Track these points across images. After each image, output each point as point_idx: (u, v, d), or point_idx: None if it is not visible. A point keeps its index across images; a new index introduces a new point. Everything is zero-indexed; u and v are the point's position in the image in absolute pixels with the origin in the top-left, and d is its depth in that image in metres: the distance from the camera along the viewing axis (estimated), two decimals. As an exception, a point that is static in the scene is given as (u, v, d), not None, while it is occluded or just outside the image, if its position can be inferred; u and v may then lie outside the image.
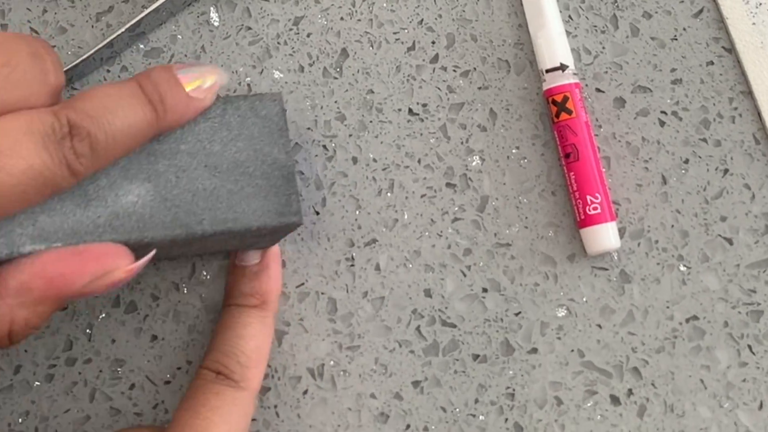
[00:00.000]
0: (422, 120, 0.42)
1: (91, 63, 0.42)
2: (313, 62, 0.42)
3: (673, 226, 0.42)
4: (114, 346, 0.41)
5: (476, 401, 0.41)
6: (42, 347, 0.41)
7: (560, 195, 0.42)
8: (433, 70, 0.42)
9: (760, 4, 0.42)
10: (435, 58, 0.42)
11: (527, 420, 0.40)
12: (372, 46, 0.43)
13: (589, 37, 0.43)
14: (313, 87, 0.42)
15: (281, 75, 0.42)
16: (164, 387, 0.41)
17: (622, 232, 0.41)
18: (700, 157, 0.42)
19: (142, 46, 0.42)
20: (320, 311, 0.41)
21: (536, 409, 0.41)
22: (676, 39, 0.43)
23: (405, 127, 0.42)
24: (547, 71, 0.41)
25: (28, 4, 0.43)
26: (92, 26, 0.42)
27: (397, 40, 0.43)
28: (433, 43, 0.43)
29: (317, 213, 0.41)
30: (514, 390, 0.41)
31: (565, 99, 0.41)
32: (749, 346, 0.41)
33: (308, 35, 0.43)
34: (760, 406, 0.41)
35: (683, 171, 0.42)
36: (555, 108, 0.41)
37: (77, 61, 0.41)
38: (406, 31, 0.43)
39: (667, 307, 0.41)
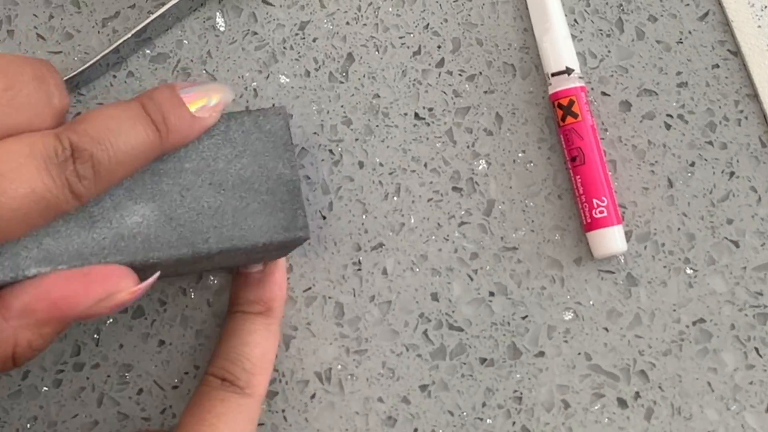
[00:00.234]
0: (428, 124, 0.42)
1: (97, 68, 0.42)
2: (319, 67, 0.42)
3: (679, 229, 0.42)
4: (122, 351, 0.41)
5: (483, 405, 0.41)
6: (50, 352, 0.41)
7: (566, 198, 0.42)
8: (439, 75, 0.42)
9: (766, 6, 0.42)
10: (441, 63, 0.43)
11: (534, 423, 0.40)
12: (378, 51, 0.43)
13: (594, 41, 0.43)
14: (319, 92, 0.42)
15: (287, 80, 0.42)
16: (172, 392, 0.41)
17: (628, 235, 0.41)
18: (706, 160, 0.42)
19: (148, 51, 0.42)
20: (327, 315, 0.41)
21: (543, 413, 0.41)
22: (682, 42, 0.43)
23: (411, 131, 0.42)
24: (553, 75, 0.41)
25: (34, 10, 0.43)
26: (98, 32, 0.43)
27: (402, 44, 0.43)
28: (439, 47, 0.43)
29: (324, 217, 0.42)
30: (521, 393, 0.41)
31: (571, 102, 0.41)
32: (756, 349, 0.41)
33: (314, 40, 0.43)
34: (768, 409, 0.41)
35: (689, 174, 0.42)
36: (561, 111, 0.41)
37: (84, 67, 0.41)
38: (411, 35, 0.43)
39: (674, 310, 0.41)
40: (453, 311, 0.41)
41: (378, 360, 0.41)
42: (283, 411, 0.40)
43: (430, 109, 0.42)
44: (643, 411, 0.41)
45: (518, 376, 0.41)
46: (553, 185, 0.42)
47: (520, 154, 0.42)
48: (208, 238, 0.34)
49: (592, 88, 0.42)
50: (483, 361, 0.41)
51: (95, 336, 0.41)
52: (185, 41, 0.43)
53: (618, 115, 0.42)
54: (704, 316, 0.41)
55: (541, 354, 0.41)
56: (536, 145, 0.42)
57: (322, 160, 0.42)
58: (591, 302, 0.41)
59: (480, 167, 0.42)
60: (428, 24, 0.43)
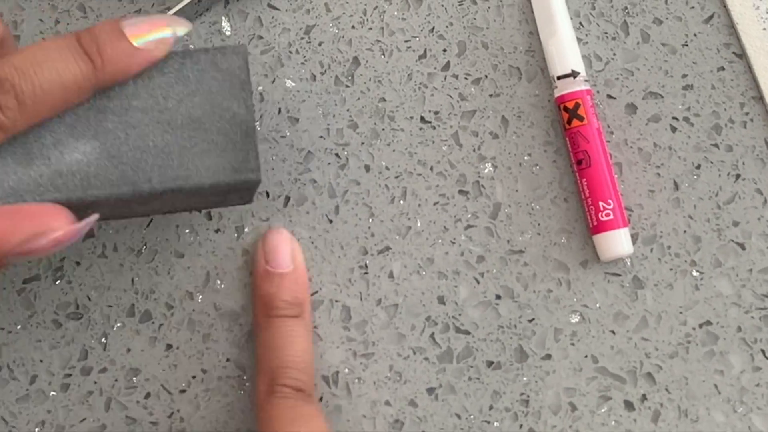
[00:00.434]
0: (434, 128, 0.42)
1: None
2: (325, 71, 0.43)
3: (685, 231, 0.42)
4: (129, 356, 0.41)
5: (491, 408, 0.41)
6: (57, 357, 0.41)
7: (572, 201, 0.42)
8: (445, 78, 0.43)
9: (771, 9, 0.42)
10: (446, 66, 0.43)
11: (542, 426, 0.41)
12: (383, 55, 0.43)
13: (600, 44, 0.43)
14: (325, 95, 0.42)
15: (293, 84, 0.42)
16: (179, 396, 0.41)
17: (634, 237, 0.42)
18: (711, 163, 0.42)
19: (154, 56, 0.43)
20: (334, 319, 0.41)
21: (550, 416, 0.41)
22: (687, 45, 0.43)
23: (417, 134, 0.42)
24: (559, 78, 0.41)
25: (40, 15, 0.43)
26: (104, 36, 0.43)
27: (408, 48, 0.43)
28: (445, 50, 0.43)
29: (330, 221, 0.42)
30: (528, 396, 0.41)
31: (577, 106, 0.41)
32: (762, 351, 0.41)
33: (320, 44, 0.43)
34: (774, 411, 0.41)
35: (695, 176, 0.42)
36: (567, 115, 0.41)
37: (90, 72, 0.41)
38: (417, 39, 0.43)
39: (681, 313, 0.41)
40: (460, 314, 0.41)
41: (385, 363, 0.41)
42: (291, 414, 0.41)
43: (436, 113, 0.42)
44: (650, 413, 0.41)
45: (525, 379, 0.41)
46: (559, 188, 0.42)
47: (526, 157, 0.42)
48: (150, 177, 0.33)
49: (598, 91, 0.42)
50: (490, 364, 0.41)
51: (103, 340, 0.41)
52: (191, 45, 0.43)
53: (624, 117, 0.42)
54: (711, 318, 0.41)
55: (548, 357, 0.41)
56: (542, 148, 0.42)
57: (329, 163, 0.42)
58: (597, 305, 0.41)
59: (486, 170, 0.42)
60: (434, 27, 0.43)
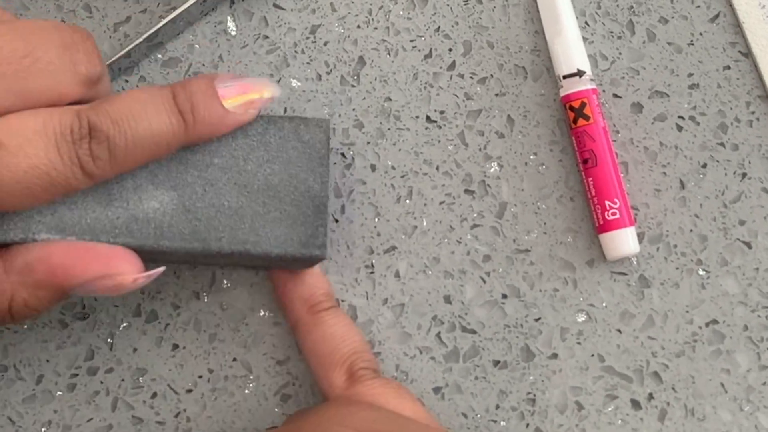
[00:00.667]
0: (440, 127, 0.42)
1: (109, 73, 0.42)
2: (331, 70, 0.43)
3: (691, 230, 0.42)
4: (135, 355, 0.41)
5: (497, 407, 0.41)
6: (64, 357, 0.41)
7: (578, 200, 0.42)
8: (450, 77, 0.43)
9: (776, 8, 0.42)
10: (452, 66, 0.43)
11: (548, 425, 0.41)
12: (389, 54, 0.43)
13: (605, 43, 0.43)
14: (330, 95, 0.42)
15: (299, 83, 0.42)
16: (186, 395, 0.41)
17: (640, 236, 0.42)
18: (717, 162, 0.42)
19: (159, 56, 0.43)
20: (341, 319, 0.41)
21: (557, 415, 0.41)
22: (693, 44, 0.43)
23: (423, 134, 0.42)
24: (564, 77, 0.41)
25: (45, 15, 0.43)
26: (110, 36, 0.43)
27: (414, 47, 0.43)
28: (450, 50, 0.43)
29: (336, 221, 0.42)
30: (534, 395, 0.41)
31: (583, 105, 0.41)
32: (769, 350, 0.41)
33: (325, 43, 0.43)
34: (781, 410, 0.41)
35: (701, 175, 0.42)
36: (572, 114, 0.41)
37: (96, 72, 0.41)
38: (422, 38, 0.43)
39: (687, 312, 0.41)
40: (466, 314, 0.41)
41: (391, 363, 0.41)
42: (297, 414, 0.41)
43: (442, 112, 0.42)
44: (657, 412, 0.41)
45: (531, 378, 0.41)
46: (565, 187, 0.42)
47: (532, 157, 0.42)
48: (221, 237, 0.34)
49: (604, 90, 0.42)
50: (496, 363, 0.41)
51: (109, 340, 0.41)
52: (197, 45, 0.43)
53: (630, 117, 0.42)
54: (717, 317, 0.41)
55: (555, 356, 0.41)
56: (548, 147, 0.42)
57: (334, 163, 0.42)
58: (604, 304, 0.41)
59: (492, 170, 0.42)
60: (439, 27, 0.43)
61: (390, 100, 0.42)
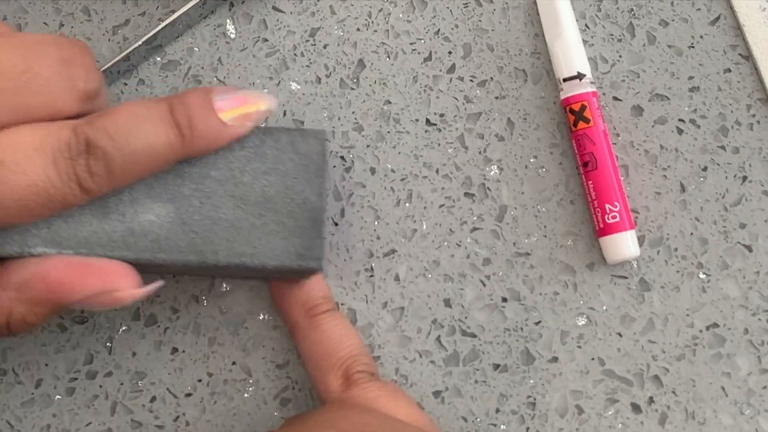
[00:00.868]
0: (440, 130, 0.42)
1: (108, 76, 0.42)
2: (330, 73, 0.42)
3: (692, 233, 0.42)
4: (134, 359, 0.41)
5: (497, 411, 0.41)
6: (63, 361, 0.41)
7: (579, 204, 0.42)
8: (450, 80, 0.42)
9: (777, 10, 0.42)
10: (452, 68, 0.43)
11: (548, 429, 0.40)
12: (389, 57, 0.43)
13: (605, 46, 0.43)
14: (330, 98, 0.42)
15: (298, 86, 0.42)
16: (185, 399, 0.41)
17: (641, 240, 0.41)
18: (718, 165, 0.42)
19: (158, 58, 0.42)
20: (340, 322, 0.41)
21: (557, 418, 0.41)
22: (693, 47, 0.43)
23: (423, 137, 0.42)
24: (565, 80, 0.41)
25: (44, 18, 0.43)
26: (109, 39, 0.43)
27: (413, 50, 0.43)
28: (450, 53, 0.43)
29: (336, 224, 0.41)
30: (535, 399, 0.41)
31: (583, 108, 0.41)
32: (770, 353, 0.41)
33: (325, 46, 0.43)
34: (782, 413, 0.41)
35: (702, 179, 0.42)
36: (573, 117, 0.41)
37: (95, 75, 0.41)
38: (422, 41, 0.43)
39: (687, 315, 0.41)
40: (466, 317, 0.41)
41: (391, 366, 0.41)
42: (297, 418, 0.40)
43: (442, 115, 0.42)
44: (657, 416, 0.41)
45: (532, 381, 0.41)
46: (565, 191, 0.42)
47: (532, 160, 0.42)
48: (218, 250, 0.34)
49: (604, 93, 0.42)
50: (496, 366, 0.41)
51: (108, 344, 0.41)
52: (196, 48, 0.43)
53: (630, 119, 0.42)
54: (717, 320, 0.41)
55: (555, 359, 0.41)
56: (548, 150, 0.42)
57: (334, 166, 0.42)
58: (604, 307, 0.41)
59: (492, 173, 0.42)
60: (439, 30, 0.43)
61: (390, 103, 0.42)
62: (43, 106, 0.31)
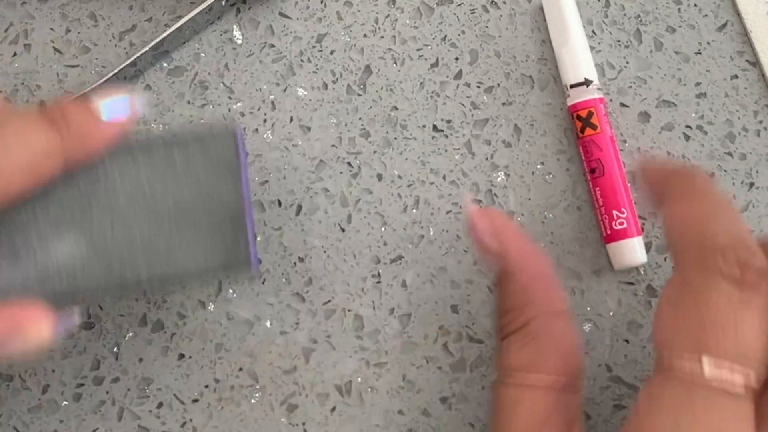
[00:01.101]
0: (447, 136, 0.42)
1: (114, 82, 0.42)
2: (337, 79, 0.42)
3: (699, 240, 0.41)
4: (141, 365, 0.41)
5: (504, 417, 0.41)
6: (69, 366, 0.41)
7: (586, 210, 0.42)
8: (457, 87, 0.42)
9: (784, 17, 0.42)
10: (459, 75, 0.43)
11: (555, 436, 0.40)
12: (395, 63, 0.43)
13: (612, 52, 0.43)
14: (337, 104, 0.42)
15: (305, 92, 0.42)
16: (192, 405, 0.41)
17: (648, 246, 0.41)
18: (725, 171, 0.42)
19: (165, 64, 0.42)
20: (347, 328, 0.41)
21: (564, 425, 0.40)
22: (700, 53, 0.43)
23: (429, 143, 0.42)
24: (572, 86, 0.41)
25: (51, 24, 0.43)
26: (115, 45, 0.43)
27: (420, 56, 0.43)
28: (457, 59, 0.43)
29: (343, 230, 0.41)
30: (542, 406, 0.41)
31: (590, 114, 0.41)
32: (777, 360, 0.41)
33: (331, 52, 0.43)
34: (789, 420, 0.41)
35: (709, 185, 0.42)
36: (580, 123, 0.41)
37: (101, 81, 0.41)
38: (429, 47, 0.43)
39: (694, 322, 0.41)
40: (473, 323, 0.41)
41: (398, 372, 0.41)
42: (304, 424, 0.40)
43: (449, 121, 0.42)
44: (664, 423, 0.41)
45: (539, 388, 0.41)
46: (572, 197, 0.42)
47: (539, 166, 0.42)
48: (137, 270, 0.33)
49: (611, 100, 0.42)
50: (503, 373, 0.41)
51: (115, 350, 0.41)
52: (202, 54, 0.42)
53: (637, 126, 0.42)
54: (724, 327, 0.41)
55: (562, 366, 0.41)
56: (555, 156, 0.42)
57: (341, 172, 0.42)
58: (611, 313, 0.41)
59: (499, 179, 0.42)
60: (446, 36, 0.43)
61: (396, 109, 0.42)
62: None
